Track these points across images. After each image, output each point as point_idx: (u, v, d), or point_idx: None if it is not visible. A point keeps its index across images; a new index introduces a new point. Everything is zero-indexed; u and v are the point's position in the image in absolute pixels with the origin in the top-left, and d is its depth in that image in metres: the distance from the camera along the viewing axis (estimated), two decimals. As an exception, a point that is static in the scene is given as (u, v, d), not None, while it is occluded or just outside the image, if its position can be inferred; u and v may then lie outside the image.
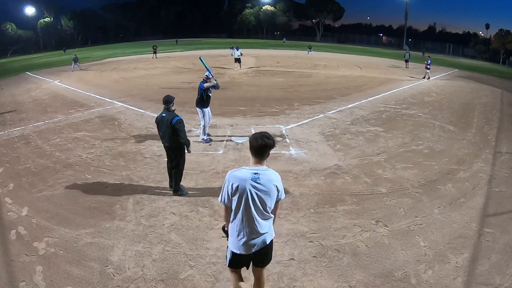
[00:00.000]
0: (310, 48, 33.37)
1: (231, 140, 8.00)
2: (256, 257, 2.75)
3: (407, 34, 58.44)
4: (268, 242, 2.70)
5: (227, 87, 14.46)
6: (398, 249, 4.13)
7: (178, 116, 5.08)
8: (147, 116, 10.15)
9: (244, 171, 2.56)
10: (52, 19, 62.70)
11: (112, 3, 72.09)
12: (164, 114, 5.09)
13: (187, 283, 3.56)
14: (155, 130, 5.82)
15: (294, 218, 4.76)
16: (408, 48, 44.47)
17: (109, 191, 5.56)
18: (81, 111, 11.05)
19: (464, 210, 5.08)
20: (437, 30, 78.25)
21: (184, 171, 5.50)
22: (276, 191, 2.61)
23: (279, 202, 2.73)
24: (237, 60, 20.86)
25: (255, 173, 2.53)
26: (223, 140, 7.95)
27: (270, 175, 2.59)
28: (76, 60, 22.24)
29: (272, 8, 70.76)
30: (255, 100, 12.33)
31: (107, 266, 3.79)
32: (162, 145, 5.36)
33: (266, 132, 2.61)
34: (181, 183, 5.46)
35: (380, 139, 8.26)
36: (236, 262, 2.78)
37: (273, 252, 2.88)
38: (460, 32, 69.77)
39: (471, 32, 66.23)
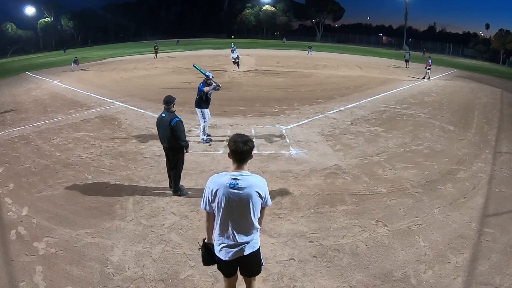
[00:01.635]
0: (310, 48, 33.38)
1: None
2: (239, 265, 2.66)
3: (407, 34, 58.51)
4: (246, 253, 2.54)
5: (227, 87, 14.45)
6: (398, 249, 4.13)
7: (177, 117, 5.05)
8: (147, 116, 10.15)
9: (224, 177, 2.44)
10: (52, 19, 62.65)
11: (112, 3, 72.13)
12: (163, 115, 5.07)
13: (187, 283, 3.56)
14: (155, 130, 5.83)
15: (294, 218, 4.76)
16: (408, 48, 44.53)
17: (109, 191, 5.56)
18: (81, 111, 11.05)
19: (464, 210, 5.09)
20: (437, 30, 78.34)
21: (184, 171, 5.50)
22: (259, 197, 2.45)
23: (264, 209, 2.60)
24: (235, 62, 19.91)
25: (234, 179, 2.40)
26: (223, 140, 7.94)
27: (251, 181, 2.44)
28: (76, 61, 22.35)
29: (272, 8, 70.79)
30: (255, 100, 12.33)
31: (107, 266, 3.79)
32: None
33: (244, 135, 2.48)
34: (181, 183, 5.46)
35: (380, 139, 8.27)
36: (221, 268, 2.68)
37: (261, 259, 2.73)
38: (460, 32, 69.87)
39: (471, 32, 66.34)
